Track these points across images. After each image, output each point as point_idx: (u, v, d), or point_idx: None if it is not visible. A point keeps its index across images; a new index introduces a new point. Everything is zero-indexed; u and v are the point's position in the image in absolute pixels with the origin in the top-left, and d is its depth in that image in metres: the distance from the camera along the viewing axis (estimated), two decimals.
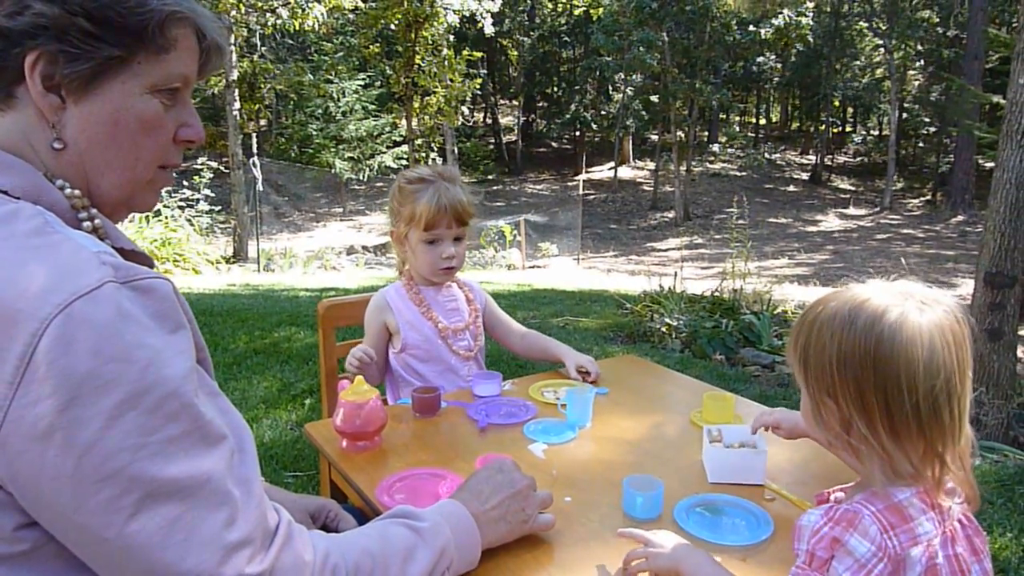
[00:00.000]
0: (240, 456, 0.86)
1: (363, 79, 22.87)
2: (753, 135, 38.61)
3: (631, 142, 33.16)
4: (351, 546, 0.96)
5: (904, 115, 30.13)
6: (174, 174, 1.04)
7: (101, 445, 0.74)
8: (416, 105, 17.40)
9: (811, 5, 29.09)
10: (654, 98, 27.65)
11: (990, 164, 5.62)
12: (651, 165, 30.81)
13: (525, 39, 33.27)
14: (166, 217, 10.83)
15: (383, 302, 2.17)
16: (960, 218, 23.87)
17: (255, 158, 13.98)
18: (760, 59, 32.08)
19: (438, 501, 1.18)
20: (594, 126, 33.00)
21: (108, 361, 0.74)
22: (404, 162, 22.33)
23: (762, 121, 41.24)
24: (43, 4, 0.85)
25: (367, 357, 1.93)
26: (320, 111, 22.56)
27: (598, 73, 30.81)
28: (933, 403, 0.92)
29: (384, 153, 22.66)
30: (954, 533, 0.96)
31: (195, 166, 11.92)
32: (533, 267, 15.29)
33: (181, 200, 11.39)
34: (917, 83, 32.13)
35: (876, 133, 37.79)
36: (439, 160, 22.13)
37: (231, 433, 0.86)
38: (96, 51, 0.87)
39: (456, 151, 24.90)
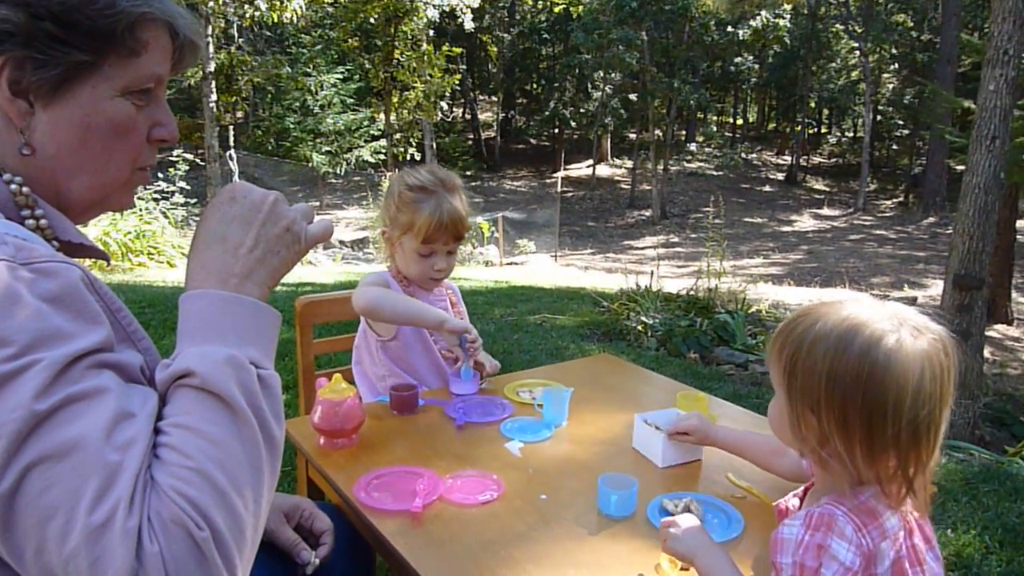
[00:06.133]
0: (128, 420, 0.76)
1: (342, 73, 22.72)
2: (730, 135, 38.95)
3: (609, 140, 33.30)
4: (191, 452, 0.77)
5: (878, 117, 30.57)
6: (149, 171, 1.00)
7: None
8: (395, 100, 17.35)
9: (788, 7, 29.38)
10: (633, 97, 27.84)
11: (962, 167, 5.73)
12: (629, 163, 30.98)
13: (505, 35, 33.28)
14: (140, 209, 10.68)
15: (387, 282, 2.08)
16: (932, 220, 24.27)
17: (232, 151, 13.88)
18: (738, 60, 32.40)
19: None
20: (573, 124, 33.12)
21: None
22: (382, 156, 22.25)
23: (739, 121, 41.60)
24: (8, 9, 0.82)
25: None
26: (298, 104, 22.39)
27: (577, 71, 30.89)
28: (914, 432, 0.94)
29: (362, 147, 22.55)
30: (911, 525, 1.00)
31: (170, 158, 11.77)
32: (511, 264, 15.31)
33: (156, 192, 11.24)
34: (891, 86, 32.58)
35: (851, 135, 38.31)
36: (417, 156, 22.06)
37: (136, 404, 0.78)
38: (64, 56, 0.85)
39: (434, 146, 24.82)
